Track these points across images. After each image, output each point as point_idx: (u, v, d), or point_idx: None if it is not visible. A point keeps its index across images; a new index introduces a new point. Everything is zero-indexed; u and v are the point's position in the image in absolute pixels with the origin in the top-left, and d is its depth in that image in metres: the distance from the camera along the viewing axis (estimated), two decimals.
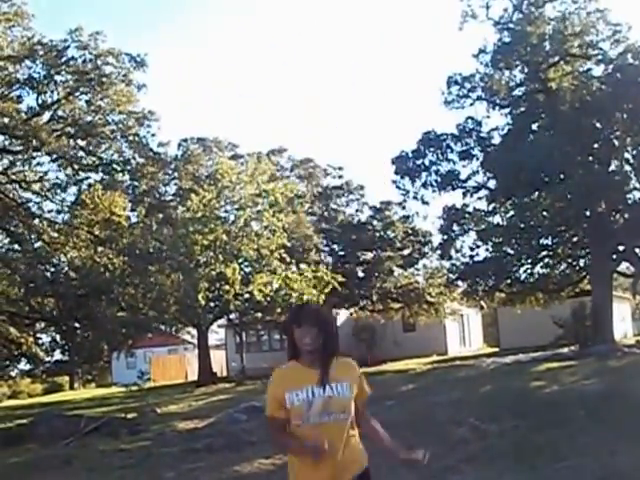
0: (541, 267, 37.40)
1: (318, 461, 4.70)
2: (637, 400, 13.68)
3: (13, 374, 47.75)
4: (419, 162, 36.22)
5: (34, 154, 29.90)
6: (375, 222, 48.54)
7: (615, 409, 12.86)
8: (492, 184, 35.82)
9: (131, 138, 31.03)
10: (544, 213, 34.29)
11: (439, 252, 39.94)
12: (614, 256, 34.32)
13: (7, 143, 29.90)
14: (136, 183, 32.39)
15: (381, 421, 13.80)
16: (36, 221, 31.07)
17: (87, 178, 31.73)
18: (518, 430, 12.12)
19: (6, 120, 28.65)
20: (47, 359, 36.64)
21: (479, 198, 36.72)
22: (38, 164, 30.92)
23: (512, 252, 35.41)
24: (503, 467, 9.66)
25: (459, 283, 39.81)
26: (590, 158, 33.40)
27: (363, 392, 4.99)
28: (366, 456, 4.87)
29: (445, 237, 37.38)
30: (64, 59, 29.31)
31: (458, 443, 11.62)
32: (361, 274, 46.98)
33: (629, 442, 10.07)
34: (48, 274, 31.06)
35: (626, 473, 8.48)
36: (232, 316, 43.06)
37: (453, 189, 36.36)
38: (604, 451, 9.77)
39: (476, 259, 36.37)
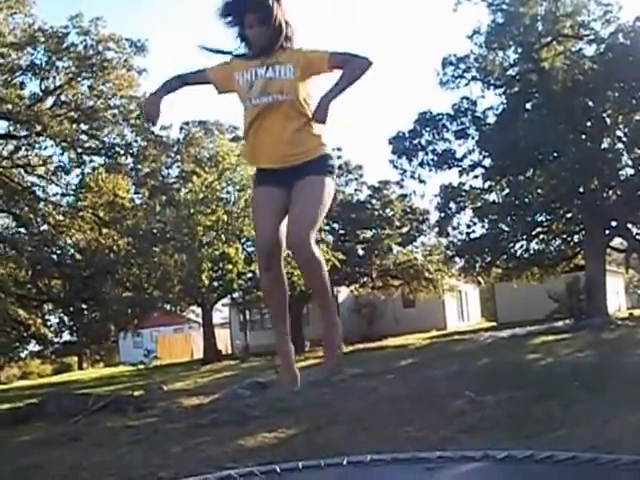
0: (536, 243, 37.73)
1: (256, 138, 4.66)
2: (629, 371, 13.98)
3: (23, 355, 48.06)
4: (416, 142, 36.51)
5: (38, 139, 30.10)
6: (374, 201, 48.65)
7: (608, 380, 13.02)
8: (487, 162, 36.11)
9: (133, 122, 31.15)
10: (538, 190, 34.58)
11: (437, 230, 40.31)
12: (607, 232, 34.63)
13: (12, 129, 30.03)
14: (139, 166, 32.49)
15: (382, 395, 14.21)
16: (41, 204, 31.09)
17: (91, 161, 31.92)
18: (514, 401, 12.26)
19: (10, 106, 28.81)
20: (56, 340, 36.74)
21: (475, 176, 37.03)
22: (42, 148, 31.10)
23: (508, 229, 35.70)
24: (500, 437, 9.74)
25: (457, 259, 40.15)
26: (583, 136, 33.68)
27: (318, 58, 4.63)
28: (317, 144, 4.67)
29: (442, 215, 37.66)
30: (65, 45, 29.37)
31: (456, 414, 11.85)
32: (361, 252, 47.11)
33: (621, 411, 10.23)
34: (54, 256, 31.28)
35: (618, 441, 8.41)
36: (236, 295, 43.17)
37: (449, 168, 36.66)
38: (597, 420, 9.92)
39: (473, 236, 36.75)
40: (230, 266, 36.21)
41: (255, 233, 4.80)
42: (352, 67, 4.61)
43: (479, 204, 37.00)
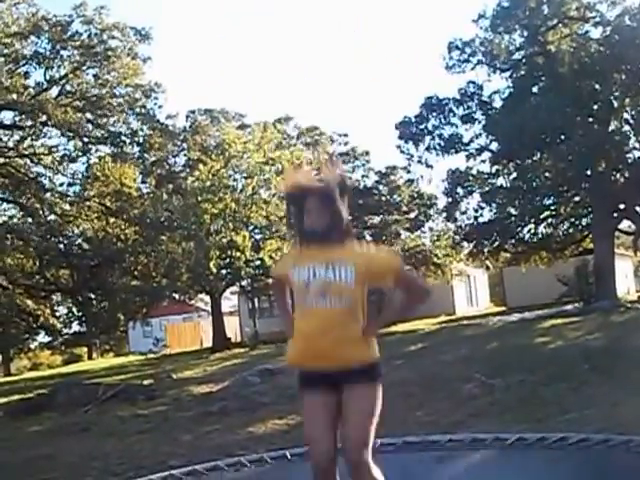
0: (544, 227, 37.61)
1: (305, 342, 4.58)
2: (639, 353, 14.07)
3: (32, 346, 48.25)
4: (422, 126, 36.40)
5: (43, 128, 30.08)
6: (381, 187, 48.71)
7: (617, 362, 13.11)
8: (494, 146, 35.91)
9: (138, 110, 31.13)
10: (546, 174, 34.59)
11: (444, 214, 40.29)
12: (615, 214, 34.53)
13: (17, 119, 30.07)
14: (145, 155, 32.45)
15: (391, 380, 14.25)
16: (48, 194, 31.15)
17: (96, 151, 31.98)
18: (524, 384, 12.33)
19: (15, 96, 28.84)
20: (65, 330, 36.81)
21: (482, 161, 36.89)
22: (47, 137, 31.12)
23: (516, 213, 35.66)
24: (510, 420, 9.82)
25: (465, 244, 40.12)
26: (590, 119, 33.64)
27: (386, 270, 4.69)
28: (366, 354, 4.61)
29: (450, 200, 37.62)
30: (69, 34, 29.40)
31: (466, 398, 11.92)
32: (369, 238, 47.12)
33: (631, 393, 10.30)
34: (61, 246, 31.35)
35: (628, 423, 8.55)
36: (244, 282, 43.18)
37: (456, 152, 36.49)
38: (607, 403, 10.01)
39: (481, 220, 36.63)
40: (238, 254, 36.24)
41: (309, 445, 4.68)
42: (414, 299, 4.81)
43: (487, 188, 36.94)
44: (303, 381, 4.72)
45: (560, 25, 34.33)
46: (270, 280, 5.09)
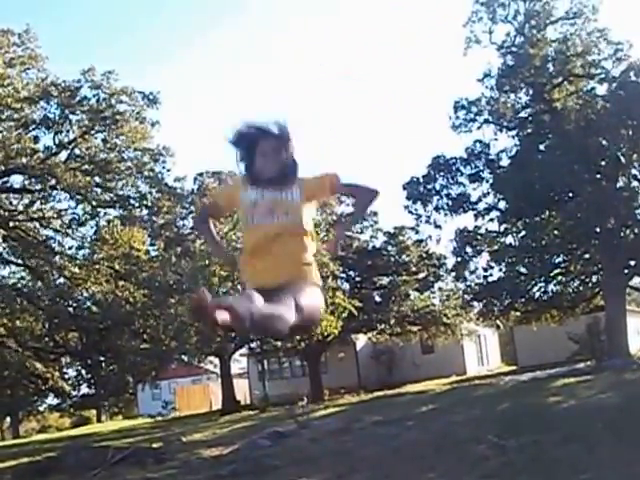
0: (554, 285, 37.56)
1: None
2: None
3: (41, 409, 48.14)
4: (430, 186, 36.48)
5: (52, 192, 30.17)
6: (390, 247, 48.49)
7: (632, 421, 12.90)
8: (503, 205, 36.01)
9: (147, 174, 31.18)
10: (555, 232, 34.64)
11: (454, 274, 40.16)
12: (626, 271, 34.42)
13: (26, 183, 30.18)
14: (154, 217, 32.43)
15: (403, 441, 14.03)
16: (57, 258, 31.16)
17: (105, 214, 32.00)
18: (537, 445, 12.11)
19: (24, 160, 28.97)
20: (74, 393, 36.75)
21: (490, 219, 36.86)
22: (56, 201, 31.17)
23: (525, 271, 35.63)
24: None
25: (475, 304, 39.95)
26: (598, 175, 33.73)
27: (323, 182, 4.73)
28: (312, 280, 4.62)
29: (459, 259, 37.57)
30: (78, 99, 29.51)
31: (478, 460, 11.72)
32: (378, 299, 46.89)
33: None
34: (71, 309, 31.31)
35: None
36: (253, 345, 43.01)
37: (464, 212, 36.55)
38: (622, 462, 9.80)
39: (490, 279, 36.58)
40: None
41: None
42: (362, 202, 4.99)
43: (495, 247, 36.93)
44: None
45: (565, 83, 34.58)
46: (204, 204, 5.00)
